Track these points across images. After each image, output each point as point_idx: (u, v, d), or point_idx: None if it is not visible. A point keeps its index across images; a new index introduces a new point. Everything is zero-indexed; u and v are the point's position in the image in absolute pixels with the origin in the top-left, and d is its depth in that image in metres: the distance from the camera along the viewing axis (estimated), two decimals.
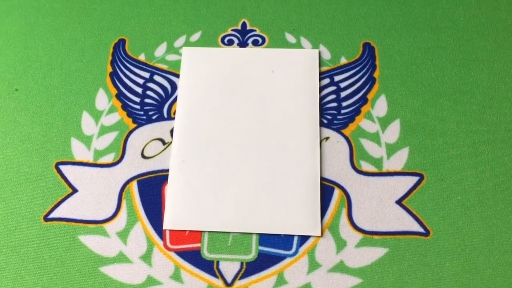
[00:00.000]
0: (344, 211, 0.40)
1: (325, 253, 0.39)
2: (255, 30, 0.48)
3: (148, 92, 0.45)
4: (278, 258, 0.39)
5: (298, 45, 0.47)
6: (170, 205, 0.41)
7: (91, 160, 0.43)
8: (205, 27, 0.48)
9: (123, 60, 0.47)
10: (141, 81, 0.46)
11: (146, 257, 0.39)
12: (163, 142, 0.43)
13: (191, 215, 0.40)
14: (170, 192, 0.41)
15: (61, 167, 0.42)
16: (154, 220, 0.40)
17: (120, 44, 0.48)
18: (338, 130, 0.43)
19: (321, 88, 0.45)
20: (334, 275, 0.38)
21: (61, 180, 0.42)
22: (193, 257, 0.39)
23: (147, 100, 0.45)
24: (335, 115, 0.44)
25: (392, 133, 0.43)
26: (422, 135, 0.43)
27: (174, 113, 0.44)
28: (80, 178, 0.42)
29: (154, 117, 0.44)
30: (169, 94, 0.45)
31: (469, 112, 0.44)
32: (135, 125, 0.44)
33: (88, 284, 0.38)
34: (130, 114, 0.45)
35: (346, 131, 0.43)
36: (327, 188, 0.41)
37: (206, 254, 0.39)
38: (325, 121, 0.44)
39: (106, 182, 0.42)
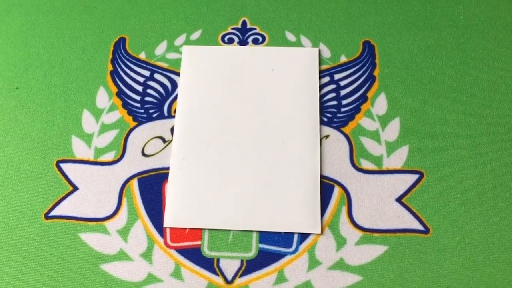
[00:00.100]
0: (344, 209, 0.40)
1: (325, 250, 0.39)
2: (255, 29, 0.48)
3: (149, 90, 0.46)
4: (278, 256, 0.39)
5: (298, 44, 0.47)
6: (170, 203, 0.41)
7: (91, 158, 0.43)
8: (205, 25, 0.48)
9: (123, 59, 0.47)
10: (141, 79, 0.46)
11: (147, 255, 0.39)
12: (164, 140, 0.43)
13: (191, 213, 0.40)
14: (171, 190, 0.41)
15: (62, 165, 0.42)
16: (154, 217, 0.41)
17: (120, 43, 0.48)
18: (338, 128, 0.43)
19: (321, 86, 0.45)
20: (334, 272, 0.38)
21: (62, 178, 0.42)
22: (194, 255, 0.39)
23: (148, 98, 0.45)
24: (335, 113, 0.44)
25: (392, 131, 0.43)
26: (422, 133, 0.43)
27: (175, 111, 0.44)
28: (80, 176, 0.42)
29: (154, 115, 0.44)
30: (169, 92, 0.45)
31: (469, 110, 0.44)
32: (135, 123, 0.44)
33: (89, 281, 0.38)
34: (130, 112, 0.45)
35: (346, 129, 0.43)
36: (327, 186, 0.41)
37: (207, 251, 0.39)
38: (325, 119, 0.44)
39: (106, 180, 0.42)
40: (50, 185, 0.42)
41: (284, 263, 0.39)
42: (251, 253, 0.39)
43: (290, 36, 0.48)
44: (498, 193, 0.40)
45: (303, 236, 0.40)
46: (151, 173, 0.42)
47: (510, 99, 0.44)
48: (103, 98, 0.45)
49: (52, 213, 0.41)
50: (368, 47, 0.47)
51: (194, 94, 0.45)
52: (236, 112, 0.44)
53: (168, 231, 0.40)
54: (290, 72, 0.45)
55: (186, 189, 0.41)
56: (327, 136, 0.43)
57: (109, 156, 0.43)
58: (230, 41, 0.47)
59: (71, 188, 0.42)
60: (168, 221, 0.40)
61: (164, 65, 0.47)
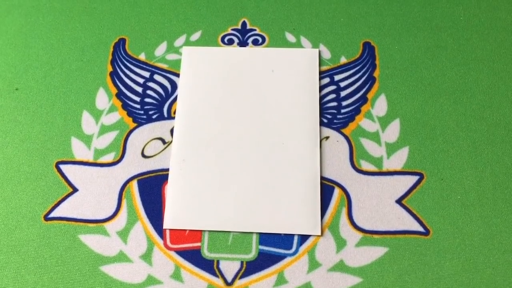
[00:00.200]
0: (344, 211, 0.40)
1: (325, 252, 0.39)
2: (255, 30, 0.48)
3: (148, 92, 0.45)
4: (278, 258, 0.39)
5: (298, 45, 0.47)
6: (170, 205, 0.41)
7: (91, 160, 0.43)
8: (205, 26, 0.48)
9: (123, 60, 0.47)
10: (141, 80, 0.46)
11: (146, 257, 0.39)
12: (163, 142, 0.43)
13: (191, 214, 0.40)
14: (170, 191, 0.41)
15: (62, 167, 0.42)
16: (154, 219, 0.41)
17: (120, 44, 0.48)
18: (338, 130, 0.43)
19: (321, 88, 0.45)
20: (334, 274, 0.38)
21: (62, 180, 0.42)
22: (193, 257, 0.39)
23: (147, 100, 0.45)
24: (335, 114, 0.44)
25: (392, 132, 0.43)
26: (422, 135, 0.43)
27: (174, 113, 0.44)
28: (80, 178, 0.42)
29: (154, 116, 0.44)
30: (169, 94, 0.45)
31: (469, 111, 0.44)
32: (135, 125, 0.44)
33: (89, 283, 0.38)
34: (130, 114, 0.45)
35: (346, 131, 0.43)
36: (327, 188, 0.41)
37: (206, 253, 0.39)
38: (325, 121, 0.44)
39: (106, 182, 0.42)
40: (50, 186, 0.42)
41: (284, 265, 0.39)
42: (251, 255, 0.39)
43: (290, 37, 0.47)
44: (499, 195, 0.40)
45: (303, 238, 0.40)
46: (150, 175, 0.42)
47: (510, 100, 0.44)
48: (103, 99, 0.45)
49: (52, 215, 0.41)
50: (368, 48, 0.47)
51: (194, 95, 0.45)
52: (236, 113, 0.44)
53: (168, 232, 0.40)
54: (290, 73, 0.45)
55: (186, 190, 0.41)
56: (327, 137, 0.43)
57: (108, 158, 0.43)
58: (230, 42, 0.47)
59: (70, 190, 0.42)
60: (168, 223, 0.40)
61: (164, 66, 0.46)
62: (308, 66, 0.46)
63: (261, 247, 0.39)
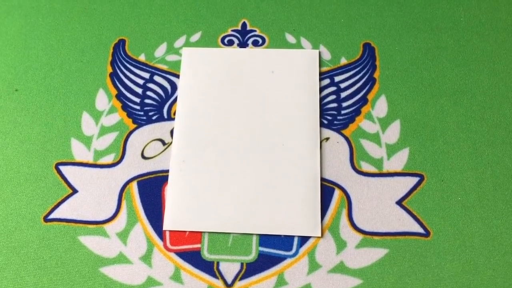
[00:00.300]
0: (344, 212, 0.40)
1: (325, 253, 0.39)
2: (255, 31, 0.48)
3: (148, 93, 0.45)
4: (278, 259, 0.39)
5: (298, 46, 0.47)
6: (170, 206, 0.41)
7: (91, 161, 0.43)
8: (205, 27, 0.48)
9: (123, 61, 0.47)
10: (141, 81, 0.46)
11: (146, 258, 0.39)
12: (163, 143, 0.43)
13: (191, 215, 0.40)
14: (170, 192, 0.41)
15: (61, 168, 0.42)
16: (154, 220, 0.40)
17: (120, 45, 0.48)
18: (338, 131, 0.43)
19: (321, 89, 0.45)
20: (334, 275, 0.38)
21: (61, 181, 0.42)
22: (193, 258, 0.39)
23: (147, 101, 0.45)
24: (335, 115, 0.44)
25: (392, 133, 0.43)
26: (423, 136, 0.43)
27: (174, 114, 0.44)
28: (80, 179, 0.42)
29: (154, 117, 0.44)
30: (169, 95, 0.45)
31: (470, 112, 0.44)
32: (135, 126, 0.44)
33: (88, 284, 0.38)
34: (130, 115, 0.44)
35: (346, 132, 0.43)
36: (327, 189, 0.41)
37: (206, 254, 0.39)
38: (325, 122, 0.44)
39: (106, 183, 0.42)
40: (49, 187, 0.42)
41: (284, 266, 0.39)
42: (251, 256, 0.39)
43: (290, 38, 0.47)
44: (499, 196, 0.40)
45: (303, 239, 0.40)
46: (150, 176, 0.42)
47: (510, 101, 0.44)
48: (103, 100, 0.45)
49: (51, 216, 0.41)
50: (369, 49, 0.47)
51: (194, 96, 0.45)
52: (236, 114, 0.44)
53: (167, 234, 0.40)
54: (290, 74, 0.45)
55: (186, 191, 0.41)
56: (327, 139, 0.43)
57: (108, 159, 0.43)
58: (230, 43, 0.47)
59: (70, 191, 0.41)
60: (168, 224, 0.40)
61: (164, 67, 0.46)
62: (308, 67, 0.46)
63: (261, 248, 0.39)
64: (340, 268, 0.39)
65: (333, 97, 0.45)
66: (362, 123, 0.44)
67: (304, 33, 0.48)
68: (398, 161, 0.42)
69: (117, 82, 0.46)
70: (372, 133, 0.43)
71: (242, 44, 0.47)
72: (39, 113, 0.45)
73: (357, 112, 0.44)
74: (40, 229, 0.40)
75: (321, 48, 0.47)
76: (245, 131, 0.43)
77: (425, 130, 0.43)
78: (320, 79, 0.45)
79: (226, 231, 0.40)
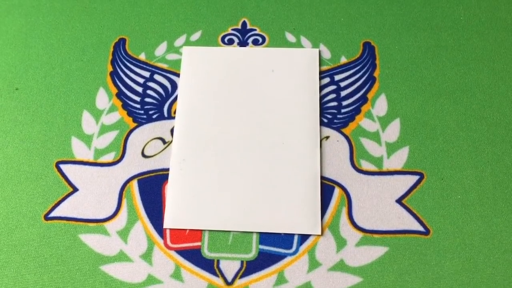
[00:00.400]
0: (344, 210, 0.40)
1: (325, 252, 0.39)
2: (255, 30, 0.48)
3: (149, 91, 0.46)
4: (278, 257, 0.39)
5: (298, 44, 0.47)
6: (170, 204, 0.41)
7: (91, 159, 0.43)
8: (205, 26, 0.48)
9: (123, 59, 0.47)
10: (141, 80, 0.46)
11: (147, 256, 0.39)
12: (164, 141, 0.43)
13: (191, 214, 0.40)
14: (171, 191, 0.41)
15: (62, 166, 0.42)
16: (154, 219, 0.41)
17: (120, 43, 0.48)
18: (338, 129, 0.43)
19: (321, 87, 0.45)
20: (334, 274, 0.38)
21: (62, 179, 0.42)
22: (194, 256, 0.39)
23: (148, 99, 0.45)
24: (335, 114, 0.44)
25: (392, 132, 0.43)
26: (422, 134, 0.43)
27: (175, 112, 0.44)
28: (80, 177, 0.42)
29: (154, 116, 0.44)
30: (169, 93, 0.45)
31: (469, 111, 0.44)
32: (135, 124, 0.44)
33: (89, 283, 0.38)
34: (130, 113, 0.45)
35: (346, 130, 0.43)
36: (327, 187, 0.41)
37: (207, 253, 0.39)
38: (325, 120, 0.44)
39: (106, 181, 0.42)
40: (50, 186, 0.42)
41: (284, 264, 0.39)
42: (251, 254, 0.39)
43: (290, 37, 0.47)
44: (499, 194, 0.40)
45: (303, 237, 0.40)
46: (151, 174, 0.42)
47: (510, 100, 0.44)
48: (103, 99, 0.45)
49: (52, 214, 0.41)
50: (369, 48, 0.47)
51: (194, 95, 0.45)
52: (236, 113, 0.44)
53: (168, 232, 0.40)
54: (290, 73, 0.45)
55: (186, 190, 0.41)
56: (327, 137, 0.43)
57: (109, 157, 0.43)
58: (230, 42, 0.47)
59: (71, 189, 0.42)
60: (168, 222, 0.40)
61: (164, 66, 0.47)
62: (308, 66, 0.46)
63: (261, 246, 0.39)
64: (340, 266, 0.39)
65: (333, 95, 0.45)
66: (362, 121, 0.44)
67: (304, 32, 0.48)
68: (398, 160, 0.42)
69: (117, 81, 0.46)
70: (372, 132, 0.43)
71: (242, 43, 0.47)
72: (39, 112, 0.45)
73: (357, 110, 0.44)
74: (41, 228, 0.40)
75: (321, 47, 0.47)
76: (245, 129, 0.43)
77: (425, 128, 0.43)
78: (320, 78, 0.45)
79: (226, 229, 0.40)
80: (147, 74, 0.46)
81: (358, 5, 0.49)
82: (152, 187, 0.42)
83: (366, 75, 0.45)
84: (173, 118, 0.44)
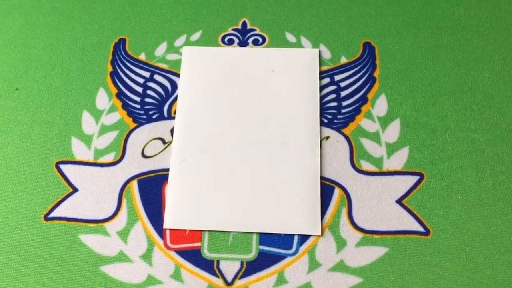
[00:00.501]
0: (344, 211, 0.40)
1: (325, 252, 0.39)
2: (256, 30, 0.48)
3: (149, 92, 0.45)
4: (278, 258, 0.39)
5: (298, 45, 0.47)
6: (170, 205, 0.41)
7: (91, 160, 0.43)
8: (205, 26, 0.48)
9: (123, 60, 0.47)
10: (141, 80, 0.46)
11: (147, 257, 0.39)
12: (164, 142, 0.43)
13: (191, 214, 0.40)
14: (171, 191, 0.41)
15: (62, 166, 0.42)
16: (154, 219, 0.41)
17: (120, 44, 0.48)
18: (338, 130, 0.43)
19: (321, 88, 0.45)
20: (334, 274, 0.38)
21: (62, 180, 0.42)
22: (194, 257, 0.39)
23: (148, 100, 0.45)
24: (335, 114, 0.44)
25: (392, 132, 0.43)
26: (422, 135, 0.43)
27: (175, 113, 0.44)
28: (80, 178, 0.42)
29: (154, 116, 0.44)
30: (169, 94, 0.45)
31: (469, 111, 0.44)
32: (135, 125, 0.44)
33: (89, 283, 0.38)
34: (130, 114, 0.45)
35: (346, 131, 0.43)
36: (327, 188, 0.41)
37: (207, 253, 0.39)
38: (325, 121, 0.44)
39: (106, 182, 0.42)
40: (50, 186, 0.42)
41: (284, 265, 0.39)
42: (251, 255, 0.39)
43: (290, 37, 0.47)
44: (499, 195, 0.40)
45: (303, 238, 0.40)
46: (151, 175, 0.42)
47: (510, 100, 0.44)
48: (103, 99, 0.45)
49: (52, 215, 0.41)
50: (369, 48, 0.47)
51: (194, 95, 0.45)
52: (236, 113, 0.44)
53: (168, 232, 0.40)
54: (290, 73, 0.45)
55: (186, 190, 0.41)
56: (327, 138, 0.43)
57: (109, 158, 0.43)
58: (230, 42, 0.47)
59: (70, 190, 0.42)
60: (168, 223, 0.40)
61: (164, 66, 0.46)
62: (308, 66, 0.46)
63: (261, 247, 0.39)
64: (340, 267, 0.39)
65: (333, 96, 0.45)
66: (362, 122, 0.44)
67: (304, 32, 0.48)
68: (398, 160, 0.42)
69: (117, 81, 0.46)
70: (372, 132, 0.43)
71: (242, 43, 0.47)
72: (39, 112, 0.45)
73: (357, 111, 0.44)
74: (41, 228, 0.40)
75: (321, 47, 0.47)
76: (245, 130, 0.43)
77: (425, 129, 0.43)
78: (320, 78, 0.45)
79: (226, 229, 0.40)
80: (147, 74, 0.46)
81: (358, 5, 0.49)
82: (152, 187, 0.42)
83: (366, 75, 0.45)
84: (173, 118, 0.44)
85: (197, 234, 0.40)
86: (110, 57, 0.47)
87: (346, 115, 0.44)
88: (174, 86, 0.46)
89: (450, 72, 0.45)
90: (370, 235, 0.39)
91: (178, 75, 0.46)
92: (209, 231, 0.40)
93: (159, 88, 0.46)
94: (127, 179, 0.42)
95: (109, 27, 0.49)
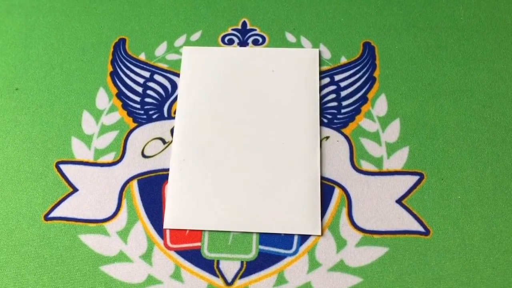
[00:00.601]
0: (344, 210, 0.40)
1: (325, 252, 0.39)
2: (255, 30, 0.48)
3: (149, 92, 0.46)
4: (278, 257, 0.39)
5: (298, 45, 0.47)
6: (170, 204, 0.41)
7: (91, 159, 0.43)
8: (205, 26, 0.48)
9: (123, 60, 0.47)
10: (141, 80, 0.46)
11: (147, 256, 0.39)
12: (163, 141, 0.43)
13: (191, 214, 0.40)
14: (171, 191, 0.41)
15: (62, 166, 0.42)
16: (154, 219, 0.41)
17: (120, 44, 0.48)
18: (338, 129, 0.43)
19: (321, 88, 0.45)
20: (334, 274, 0.38)
21: (62, 179, 0.42)
22: (194, 256, 0.39)
23: (148, 100, 0.45)
24: (335, 114, 0.44)
25: (392, 132, 0.43)
26: (422, 135, 0.43)
27: (175, 113, 0.44)
28: (80, 177, 0.42)
29: (154, 116, 0.44)
30: (169, 94, 0.45)
31: (469, 111, 0.44)
32: (135, 124, 0.44)
33: (89, 283, 0.38)
34: (130, 113, 0.45)
35: (346, 131, 0.43)
36: (327, 188, 0.41)
37: (207, 253, 0.39)
38: (325, 121, 0.44)
39: (106, 181, 0.42)
40: (50, 186, 0.42)
41: (284, 265, 0.39)
42: (251, 255, 0.39)
43: (290, 37, 0.47)
44: (499, 195, 0.40)
45: (303, 238, 0.40)
46: (151, 174, 0.42)
47: (510, 100, 0.44)
48: (103, 99, 0.45)
49: (52, 215, 0.41)
50: (369, 48, 0.47)
51: (194, 95, 0.45)
52: (236, 113, 0.44)
53: (168, 232, 0.40)
54: (290, 73, 0.45)
55: (186, 190, 0.41)
56: (327, 137, 0.43)
57: (109, 157, 0.43)
58: (230, 42, 0.47)
59: (70, 190, 0.42)
60: (168, 223, 0.40)
61: (164, 66, 0.47)
62: (308, 66, 0.46)
63: (261, 247, 0.39)
64: (340, 267, 0.39)
65: (333, 96, 0.45)
66: (362, 122, 0.44)
67: (304, 32, 0.48)
68: (398, 160, 0.42)
69: (117, 81, 0.46)
70: (372, 132, 0.43)
71: (242, 43, 0.47)
72: (39, 112, 0.45)
73: (357, 111, 0.44)
74: (41, 228, 0.40)
75: (321, 47, 0.47)
76: (245, 130, 0.43)
77: (425, 128, 0.43)
78: (320, 78, 0.45)
79: (226, 229, 0.40)
80: (147, 74, 0.46)
81: (358, 5, 0.49)
82: (152, 187, 0.42)
83: (366, 75, 0.45)
84: (173, 118, 0.44)
85: (197, 234, 0.40)
86: (110, 57, 0.47)
87: (346, 115, 0.44)
88: (174, 86, 0.46)
89: (450, 72, 0.45)
90: (370, 235, 0.39)
91: (178, 75, 0.46)
92: (209, 231, 0.40)
93: (159, 88, 0.46)
94: (127, 179, 0.42)
95: (109, 27, 0.49)
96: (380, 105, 0.44)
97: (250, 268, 0.39)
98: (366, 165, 0.42)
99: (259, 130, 0.43)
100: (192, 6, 0.49)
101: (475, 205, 0.40)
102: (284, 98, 0.44)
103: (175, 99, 0.45)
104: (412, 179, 0.41)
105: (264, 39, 0.47)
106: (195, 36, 0.48)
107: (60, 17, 0.49)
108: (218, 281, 0.38)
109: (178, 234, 0.40)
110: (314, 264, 0.39)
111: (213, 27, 0.48)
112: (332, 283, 0.38)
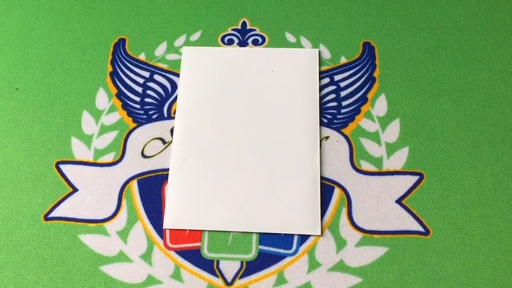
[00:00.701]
0: (344, 210, 0.40)
1: (325, 252, 0.39)
2: (255, 30, 0.48)
3: (148, 92, 0.46)
4: (278, 257, 0.39)
5: (298, 45, 0.47)
6: (170, 204, 0.41)
7: (91, 160, 0.43)
8: (205, 26, 0.48)
9: (123, 60, 0.47)
10: (141, 80, 0.46)
11: (146, 256, 0.39)
12: (163, 142, 0.43)
13: (191, 214, 0.40)
14: (170, 191, 0.41)
15: (61, 166, 0.42)
16: (154, 219, 0.41)
17: (120, 44, 0.48)
18: (338, 130, 0.43)
19: (321, 88, 0.45)
20: (334, 274, 0.38)
21: (62, 179, 0.42)
22: (193, 256, 0.39)
23: (147, 100, 0.45)
24: (335, 114, 0.44)
25: (392, 132, 0.43)
26: (422, 135, 0.43)
27: (174, 113, 0.44)
28: (80, 177, 0.42)
29: (154, 116, 0.44)
30: (169, 94, 0.45)
31: (469, 111, 0.44)
32: (135, 125, 0.44)
33: (88, 283, 0.38)
34: (130, 114, 0.45)
35: (346, 131, 0.43)
36: (327, 188, 0.41)
37: (206, 253, 0.39)
38: (325, 121, 0.44)
39: (106, 181, 0.42)
40: (50, 186, 0.42)
41: (284, 265, 0.39)
42: (251, 255, 0.39)
43: (290, 37, 0.47)
44: (499, 195, 0.40)
45: (303, 238, 0.40)
46: (150, 175, 0.42)
47: (510, 100, 0.44)
48: (103, 99, 0.45)
49: (52, 215, 0.41)
50: (368, 48, 0.47)
51: (194, 95, 0.45)
52: (236, 113, 0.44)
53: (167, 232, 0.40)
54: (290, 73, 0.45)
55: (185, 190, 0.41)
56: (327, 137, 0.43)
57: (108, 157, 0.43)
58: (230, 42, 0.47)
59: (70, 190, 0.42)
60: (168, 223, 0.40)
61: (164, 66, 0.47)
62: (308, 66, 0.46)
63: (261, 247, 0.39)
64: (340, 267, 0.39)
65: (333, 96, 0.45)
66: (362, 122, 0.44)
67: (304, 32, 0.48)
68: (398, 160, 0.42)
69: (117, 81, 0.46)
70: (371, 132, 0.43)
71: (242, 43, 0.47)
72: (39, 112, 0.45)
73: (357, 111, 0.44)
74: (41, 228, 0.40)
75: (321, 47, 0.47)
76: (245, 130, 0.43)
77: (424, 129, 0.43)
78: (320, 78, 0.45)
79: (226, 229, 0.40)
80: (147, 74, 0.46)
81: (358, 5, 0.49)
82: (152, 187, 0.42)
83: (366, 75, 0.45)
84: (173, 118, 0.44)
85: (197, 234, 0.40)
86: (110, 57, 0.47)
87: (345, 115, 0.44)
88: (174, 86, 0.46)
89: (449, 72, 0.45)
90: (370, 235, 0.39)
91: (178, 75, 0.46)
92: (209, 231, 0.40)
93: (159, 88, 0.46)
94: (127, 179, 0.42)
95: (109, 27, 0.49)
96: (380, 105, 0.44)
97: (250, 268, 0.39)
98: (366, 165, 0.42)
99: (259, 130, 0.43)
100: (192, 6, 0.49)
101: (475, 205, 0.40)
102: (284, 98, 0.44)
103: (175, 99, 0.45)
104: (412, 179, 0.41)
105: (264, 39, 0.47)
106: (195, 36, 0.48)
107: (60, 17, 0.49)
108: (218, 281, 0.38)
109: (178, 234, 0.40)
110: (314, 264, 0.39)
111: (213, 27, 0.48)
112: (332, 283, 0.38)
